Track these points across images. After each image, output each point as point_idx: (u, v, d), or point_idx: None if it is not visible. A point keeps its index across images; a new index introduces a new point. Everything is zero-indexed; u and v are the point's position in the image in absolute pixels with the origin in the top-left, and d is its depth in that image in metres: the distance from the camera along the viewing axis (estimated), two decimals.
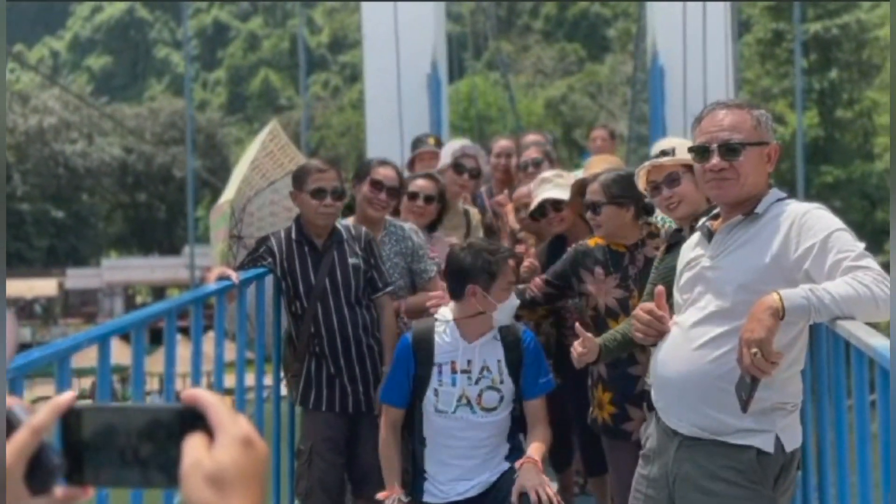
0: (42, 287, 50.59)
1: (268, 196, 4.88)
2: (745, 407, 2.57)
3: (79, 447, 0.93)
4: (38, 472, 0.91)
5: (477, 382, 3.72)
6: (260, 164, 4.94)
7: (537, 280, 4.13)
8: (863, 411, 2.52)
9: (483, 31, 46.29)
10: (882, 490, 2.37)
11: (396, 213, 4.84)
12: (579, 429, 4.41)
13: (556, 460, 4.67)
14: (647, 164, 3.59)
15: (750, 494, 2.74)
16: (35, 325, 45.72)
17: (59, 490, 0.93)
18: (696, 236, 2.99)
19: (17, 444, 0.91)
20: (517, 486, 3.54)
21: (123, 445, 0.93)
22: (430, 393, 3.73)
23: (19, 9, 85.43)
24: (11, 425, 0.92)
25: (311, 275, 4.19)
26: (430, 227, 4.81)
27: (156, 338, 3.65)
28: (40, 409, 0.93)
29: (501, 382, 3.73)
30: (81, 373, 18.42)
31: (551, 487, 3.56)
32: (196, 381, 3.60)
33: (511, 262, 3.83)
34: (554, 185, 4.55)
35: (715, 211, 2.97)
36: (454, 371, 3.72)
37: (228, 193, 4.94)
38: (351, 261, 4.21)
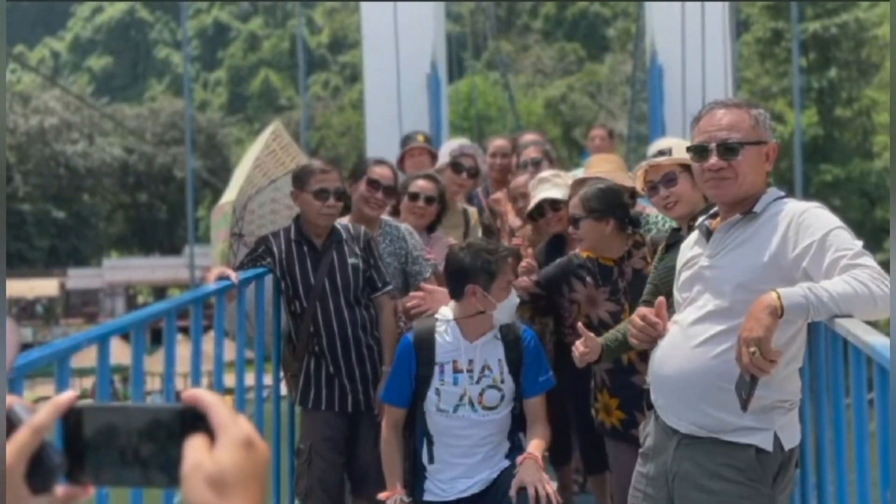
0: (43, 287, 50.60)
1: (269, 194, 4.88)
2: (744, 405, 2.57)
3: (79, 446, 0.93)
4: (38, 471, 0.92)
5: (478, 381, 3.73)
6: (262, 163, 4.94)
7: (526, 279, 4.14)
8: (861, 409, 2.52)
9: (483, 31, 46.26)
10: (880, 488, 2.38)
11: (396, 212, 4.85)
12: (579, 427, 4.41)
13: (556, 457, 4.68)
14: (643, 164, 3.61)
15: (749, 492, 2.74)
16: (36, 326, 45.74)
17: (60, 489, 0.93)
18: (694, 235, 2.99)
19: (18, 444, 0.91)
20: (516, 481, 3.56)
21: (124, 445, 0.93)
22: (431, 392, 3.74)
23: (20, 10, 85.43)
24: (12, 424, 0.92)
25: (311, 274, 4.20)
26: (430, 228, 4.82)
27: (157, 338, 3.66)
28: (41, 408, 0.93)
29: (502, 381, 3.74)
30: (83, 373, 18.44)
31: (551, 484, 3.57)
32: (196, 381, 3.61)
33: (510, 260, 3.84)
34: (552, 185, 4.56)
35: (713, 210, 2.98)
36: (456, 370, 3.73)
37: (230, 194, 4.95)
38: (350, 261, 4.22)
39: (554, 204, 4.49)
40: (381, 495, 3.73)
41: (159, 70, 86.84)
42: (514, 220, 5.47)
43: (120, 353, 3.20)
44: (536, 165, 5.47)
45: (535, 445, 3.70)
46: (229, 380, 4.24)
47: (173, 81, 79.50)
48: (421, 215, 4.74)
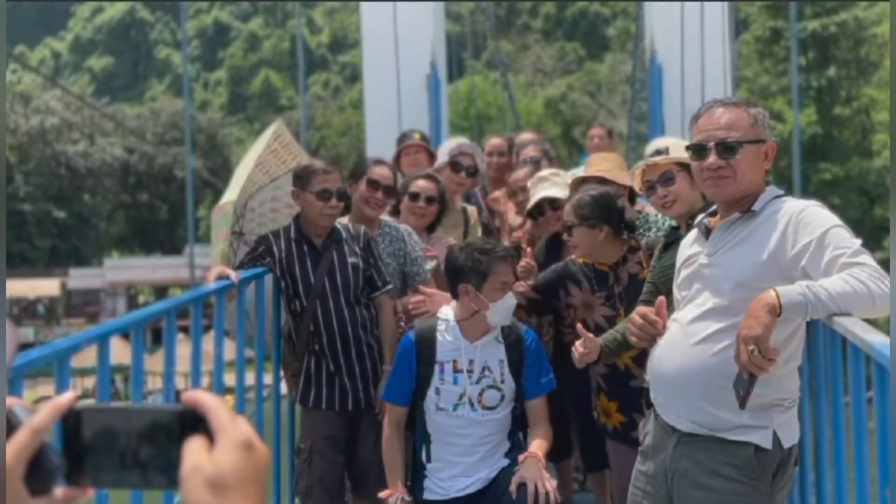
0: (44, 287, 50.62)
1: (269, 192, 4.88)
2: (742, 403, 2.58)
3: (79, 448, 0.93)
4: (38, 472, 0.91)
5: (478, 382, 3.73)
6: (264, 161, 4.94)
7: (524, 285, 4.15)
8: (860, 408, 2.52)
9: (482, 31, 46.27)
10: (879, 486, 2.38)
11: (396, 212, 4.85)
12: (579, 426, 4.42)
13: (555, 452, 4.68)
14: (641, 163, 3.61)
15: (748, 490, 2.74)
16: (38, 326, 45.76)
17: (59, 491, 0.93)
18: (693, 233, 3.00)
19: (18, 445, 0.91)
20: (516, 477, 3.56)
21: (123, 447, 0.93)
22: (431, 391, 3.75)
23: (21, 10, 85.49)
24: (11, 425, 0.92)
25: (311, 274, 4.20)
26: (430, 228, 4.82)
27: (158, 337, 3.67)
28: (40, 409, 0.93)
29: (502, 382, 3.75)
30: (84, 372, 18.46)
31: (551, 482, 3.58)
32: (196, 380, 3.61)
33: (509, 261, 3.83)
34: (551, 184, 4.57)
35: (712, 208, 2.98)
36: (456, 370, 3.74)
37: (231, 194, 4.95)
38: (350, 260, 4.22)
39: (553, 203, 4.50)
40: (382, 494, 3.73)
41: (160, 70, 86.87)
42: (514, 219, 5.47)
43: (121, 352, 3.20)
44: (536, 164, 5.46)
45: (538, 445, 3.71)
46: (229, 379, 4.25)
47: (174, 81, 79.52)
48: (421, 215, 4.74)
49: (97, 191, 59.53)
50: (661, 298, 3.00)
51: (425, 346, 3.77)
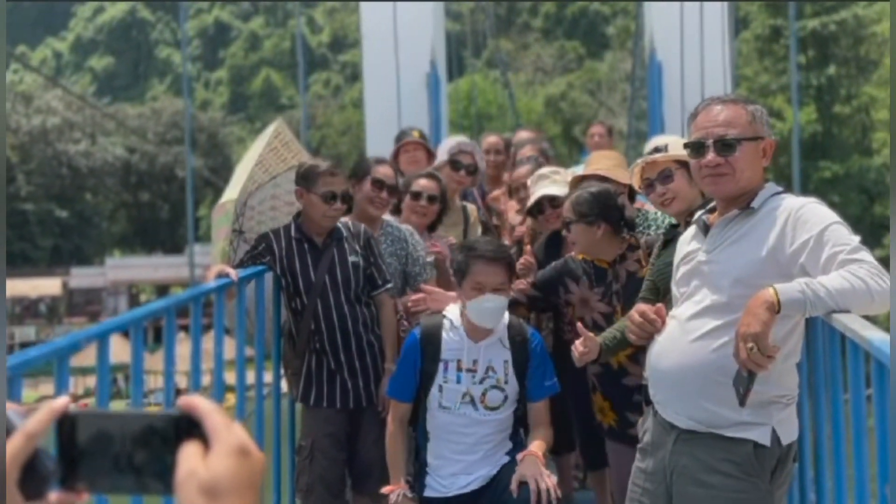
0: (46, 286, 50.68)
1: (269, 191, 4.89)
2: (742, 401, 2.58)
3: (73, 452, 0.93)
4: (32, 477, 0.91)
5: (481, 382, 3.73)
6: (264, 160, 4.95)
7: (523, 282, 4.15)
8: (859, 405, 2.52)
9: (482, 30, 46.17)
10: (878, 483, 2.38)
11: (397, 211, 4.86)
12: (579, 424, 4.42)
13: (557, 447, 4.67)
14: (640, 160, 3.61)
15: (747, 487, 2.75)
16: (39, 325, 45.81)
17: (54, 496, 0.92)
18: (692, 230, 2.99)
19: (12, 450, 0.90)
20: (517, 474, 3.56)
21: (118, 452, 0.92)
22: (434, 389, 3.75)
23: (22, 10, 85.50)
24: (6, 431, 0.92)
25: (311, 272, 4.21)
26: (431, 227, 4.83)
27: (159, 336, 3.67)
28: (35, 414, 0.93)
29: (506, 383, 3.74)
30: (85, 371, 18.47)
31: (552, 478, 3.58)
32: (196, 379, 3.62)
33: (492, 261, 3.74)
34: (551, 182, 4.57)
35: (711, 205, 2.98)
36: (460, 369, 3.74)
37: (232, 192, 4.95)
38: (350, 258, 4.23)
39: (553, 201, 4.50)
40: (385, 489, 3.74)
41: (161, 70, 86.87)
42: (514, 217, 5.47)
43: (122, 351, 3.20)
44: (538, 162, 5.46)
45: (537, 445, 3.71)
46: (230, 378, 4.25)
47: (175, 81, 79.54)
48: (423, 214, 4.75)
49: (99, 190, 59.60)
50: (660, 306, 3.00)
51: (430, 343, 3.77)
